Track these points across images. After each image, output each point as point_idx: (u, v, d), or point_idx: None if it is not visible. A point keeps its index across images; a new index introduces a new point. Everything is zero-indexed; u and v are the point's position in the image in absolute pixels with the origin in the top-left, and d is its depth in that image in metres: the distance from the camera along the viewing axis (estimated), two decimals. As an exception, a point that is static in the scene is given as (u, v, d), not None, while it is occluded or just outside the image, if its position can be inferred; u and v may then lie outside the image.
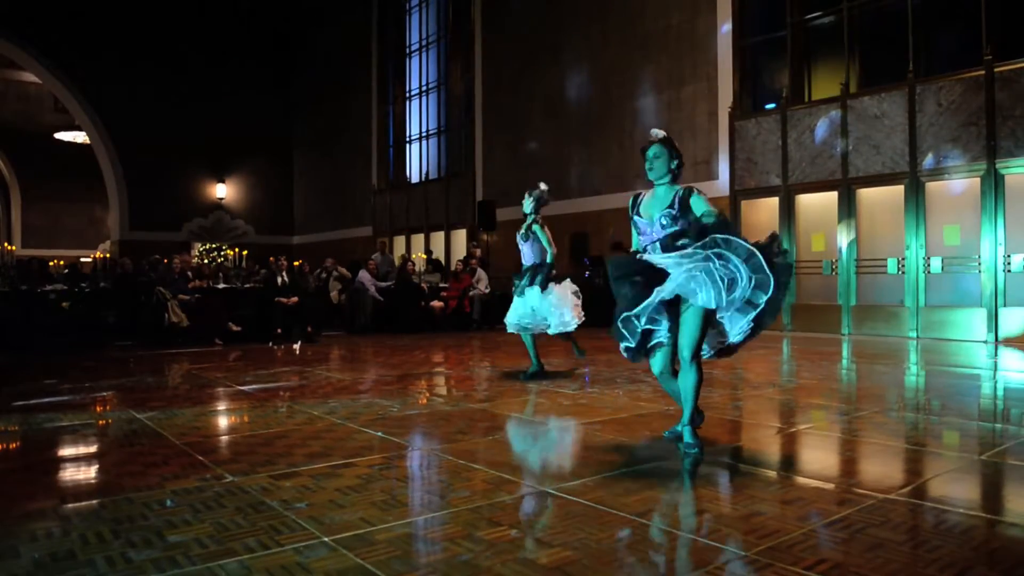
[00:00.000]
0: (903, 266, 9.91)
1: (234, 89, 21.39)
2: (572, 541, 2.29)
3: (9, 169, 25.81)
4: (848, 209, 10.40)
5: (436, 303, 12.32)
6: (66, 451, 3.77)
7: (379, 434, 3.91)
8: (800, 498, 2.76)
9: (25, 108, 25.63)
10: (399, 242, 19.07)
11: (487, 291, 12.73)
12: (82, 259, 20.02)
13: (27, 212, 25.85)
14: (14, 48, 19.31)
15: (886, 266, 10.14)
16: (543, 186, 6.12)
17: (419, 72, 19.39)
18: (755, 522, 2.46)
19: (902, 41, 9.99)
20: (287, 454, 3.46)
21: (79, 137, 22.97)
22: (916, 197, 9.73)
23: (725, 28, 11.75)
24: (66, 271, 12.47)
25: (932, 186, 9.73)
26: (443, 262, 16.45)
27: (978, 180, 9.24)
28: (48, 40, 19.15)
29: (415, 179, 19.17)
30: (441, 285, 13.03)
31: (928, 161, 9.61)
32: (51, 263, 13.74)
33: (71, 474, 3.37)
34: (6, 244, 23.64)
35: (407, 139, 19.82)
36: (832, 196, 10.60)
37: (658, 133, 3.63)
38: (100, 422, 4.47)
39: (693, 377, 3.41)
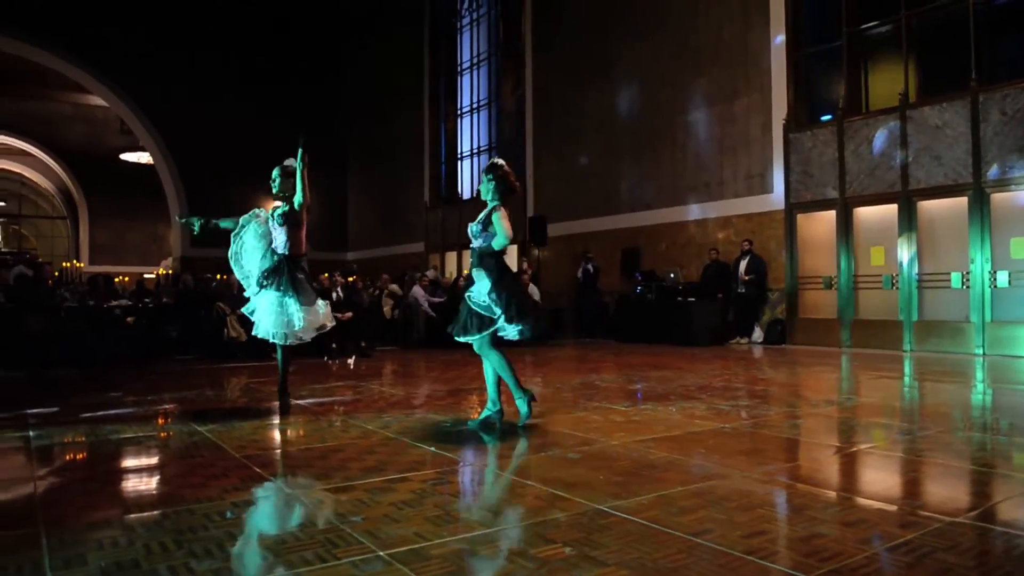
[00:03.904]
0: (967, 280, 9.59)
1: (290, 107, 21.93)
2: (627, 560, 2.27)
3: (77, 189, 26.94)
4: (909, 222, 10.12)
5: (487, 318, 12.36)
6: (130, 462, 3.89)
7: (432, 449, 3.94)
8: (862, 520, 2.68)
9: (92, 131, 26.76)
10: (451, 258, 19.23)
11: (538, 306, 12.72)
12: (145, 275, 20.71)
13: (94, 230, 26.92)
14: (82, 73, 20.19)
15: (950, 280, 9.82)
16: (290, 161, 5.37)
17: (470, 89, 19.62)
18: (816, 544, 2.40)
19: (963, 49, 9.71)
20: (342, 468, 3.51)
21: (143, 158, 23.85)
22: (981, 209, 9.42)
23: (779, 39, 11.60)
24: (133, 288, 12.90)
25: (997, 197, 9.40)
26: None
27: (1047, 191, 8.90)
28: (114, 64, 19.98)
29: (467, 195, 19.34)
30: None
31: (993, 172, 9.30)
32: (116, 279, 14.26)
33: (135, 485, 3.48)
34: (75, 261, 24.67)
35: (459, 156, 20.04)
36: (892, 209, 10.33)
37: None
38: (162, 434, 4.60)
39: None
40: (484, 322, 4.39)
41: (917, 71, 10.59)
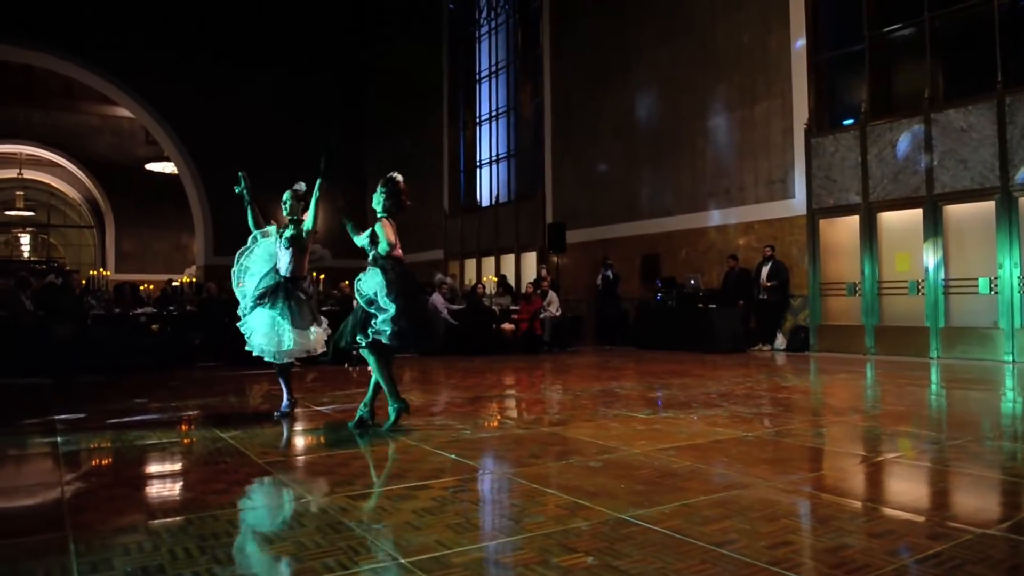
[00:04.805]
0: (996, 286, 9.43)
1: (311, 116, 22.15)
2: (650, 570, 2.25)
3: (104, 199, 27.34)
4: (934, 227, 9.98)
5: (507, 326, 12.37)
6: (155, 468, 3.93)
7: (452, 456, 3.94)
8: (890, 531, 2.64)
9: (119, 142, 27.17)
10: (470, 265, 19.26)
11: (558, 313, 12.71)
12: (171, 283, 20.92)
13: (120, 239, 27.29)
14: (108, 84, 20.49)
15: (977, 286, 9.67)
16: (299, 185, 5.52)
17: (489, 97, 19.67)
18: (843, 555, 2.36)
19: (989, 50, 9.58)
20: (363, 475, 3.52)
21: (168, 167, 24.14)
22: (1008, 213, 9.27)
23: (799, 44, 11.52)
24: (158, 296, 13.04)
25: (1026, 201, 9.25)
26: (513, 285, 16.52)
27: (1077, 195, 8.74)
28: (138, 75, 20.26)
29: (485, 203, 19.38)
30: (512, 308, 13.09)
31: (1021, 175, 9.15)
32: (142, 287, 14.44)
33: (159, 490, 3.51)
34: (101, 269, 25.01)
35: (477, 163, 20.09)
36: (917, 213, 10.20)
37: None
38: (186, 440, 4.64)
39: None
40: (365, 323, 4.61)
41: (941, 73, 10.45)
